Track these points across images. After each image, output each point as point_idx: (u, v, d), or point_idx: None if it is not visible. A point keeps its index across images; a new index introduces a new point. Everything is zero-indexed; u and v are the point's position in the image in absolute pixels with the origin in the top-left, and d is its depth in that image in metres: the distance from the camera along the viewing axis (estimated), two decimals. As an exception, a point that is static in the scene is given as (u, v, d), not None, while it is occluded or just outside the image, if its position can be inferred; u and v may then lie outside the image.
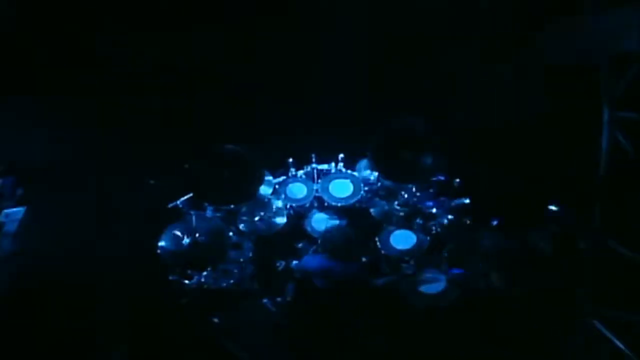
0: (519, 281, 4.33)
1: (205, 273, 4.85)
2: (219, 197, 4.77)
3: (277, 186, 5.40)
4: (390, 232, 5.21)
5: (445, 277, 4.92)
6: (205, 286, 4.82)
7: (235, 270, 5.05)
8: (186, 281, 4.84)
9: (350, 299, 4.66)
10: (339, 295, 4.62)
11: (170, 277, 4.84)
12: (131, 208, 5.40)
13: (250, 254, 5.17)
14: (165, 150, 5.36)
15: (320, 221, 5.36)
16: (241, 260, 5.11)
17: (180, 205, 5.01)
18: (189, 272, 4.83)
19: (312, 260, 4.77)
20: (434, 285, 4.91)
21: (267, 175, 5.18)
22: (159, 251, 4.78)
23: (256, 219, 5.19)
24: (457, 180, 5.09)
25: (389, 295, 4.91)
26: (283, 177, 5.47)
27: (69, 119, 5.64)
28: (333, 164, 5.53)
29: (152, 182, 4.84)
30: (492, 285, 4.52)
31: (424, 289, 4.90)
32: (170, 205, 5.01)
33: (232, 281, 4.93)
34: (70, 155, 5.64)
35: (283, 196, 5.35)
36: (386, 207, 5.32)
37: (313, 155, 5.48)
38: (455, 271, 4.85)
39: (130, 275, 5.09)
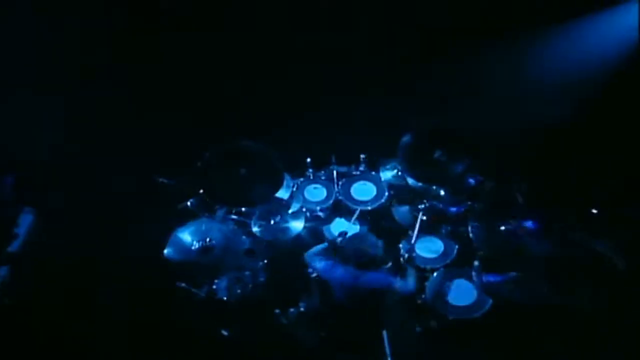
0: (574, 293, 3.78)
1: (216, 281, 4.33)
2: (233, 198, 4.24)
3: (294, 188, 4.94)
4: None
5: (476, 287, 4.43)
6: (216, 296, 4.29)
7: (248, 279, 4.58)
8: (195, 290, 4.32)
9: (371, 311, 4.24)
10: (359, 306, 4.20)
11: (178, 285, 4.32)
12: (138, 209, 4.91)
13: (265, 261, 4.72)
14: (176, 146, 4.85)
15: (340, 226, 4.91)
16: (255, 267, 4.66)
17: (191, 207, 4.49)
18: (198, 280, 4.31)
19: (332, 271, 4.27)
20: (463, 295, 4.44)
21: (285, 177, 4.67)
22: (166, 257, 4.29)
23: (272, 223, 4.73)
24: (490, 183, 4.58)
25: (414, 306, 4.48)
26: (301, 179, 5.03)
27: (73, 116, 5.19)
28: (354, 166, 5.09)
29: (161, 180, 4.33)
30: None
31: (452, 300, 4.44)
32: (179, 207, 4.50)
33: (244, 290, 4.41)
34: (74, 154, 5.18)
35: (301, 199, 4.89)
36: (410, 212, 4.84)
37: (332, 156, 5.04)
38: (490, 279, 4.32)
39: (134, 283, 4.62)
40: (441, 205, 4.81)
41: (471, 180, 4.67)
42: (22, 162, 5.17)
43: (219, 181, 4.11)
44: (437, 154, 4.23)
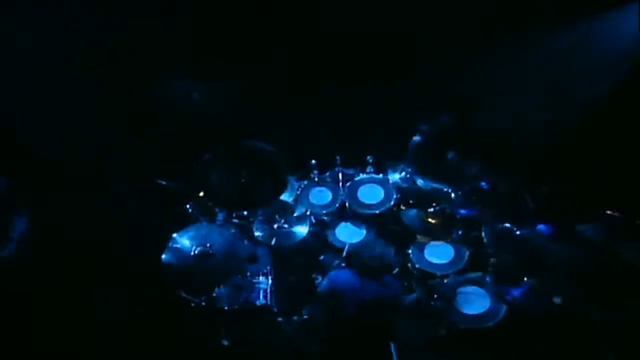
0: (600, 302, 3.51)
1: (216, 289, 4.08)
2: (234, 201, 3.98)
3: (299, 191, 4.70)
4: (425, 243, 4.53)
5: (489, 295, 4.22)
6: (216, 304, 4.03)
7: (250, 286, 4.34)
8: (194, 298, 4.06)
9: (378, 319, 4.03)
10: (366, 314, 3.97)
11: (176, 294, 4.06)
12: (136, 212, 4.64)
13: (268, 268, 4.47)
14: (176, 147, 4.59)
15: (345, 231, 4.67)
16: (257, 274, 4.42)
17: (190, 210, 4.23)
18: (197, 287, 4.06)
19: (340, 277, 4.03)
20: (476, 303, 4.22)
21: (289, 179, 4.42)
22: (163, 263, 4.03)
23: (275, 227, 4.50)
24: (504, 185, 4.32)
25: (424, 315, 4.23)
26: (305, 181, 4.77)
27: (71, 115, 4.94)
28: (360, 168, 4.85)
29: (161, 182, 4.06)
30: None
31: (464, 308, 4.23)
32: (178, 210, 4.24)
33: (246, 298, 4.16)
34: (71, 154, 4.93)
35: (306, 202, 4.64)
36: (420, 216, 4.57)
37: (338, 158, 4.81)
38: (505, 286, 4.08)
39: (131, 290, 4.35)
40: (451, 209, 4.59)
41: (483, 183, 4.43)
42: (18, 162, 4.93)
43: (219, 183, 3.85)
44: (449, 155, 3.97)
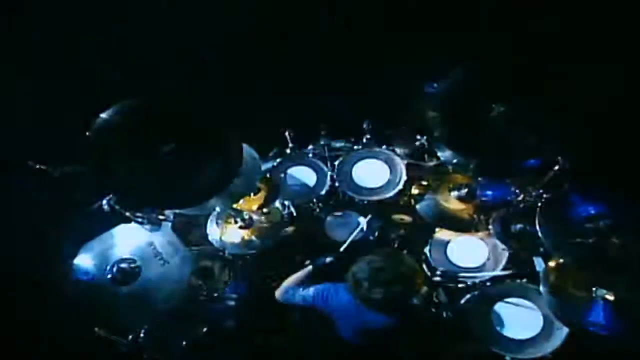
0: None
1: (145, 326, 2.59)
2: (156, 194, 2.38)
3: (269, 173, 3.38)
4: (448, 240, 3.35)
5: (540, 311, 3.03)
6: (146, 350, 2.55)
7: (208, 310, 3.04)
8: (116, 339, 2.57)
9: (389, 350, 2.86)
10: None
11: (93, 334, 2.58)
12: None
13: (229, 280, 3.11)
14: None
15: (337, 226, 3.40)
16: (216, 291, 3.08)
17: (107, 208, 2.70)
18: (120, 324, 2.58)
19: (332, 297, 2.73)
20: (524, 323, 3.03)
21: (252, 155, 2.88)
22: (69, 287, 2.55)
23: (237, 226, 3.14)
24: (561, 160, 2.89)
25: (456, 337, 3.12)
26: (278, 160, 3.46)
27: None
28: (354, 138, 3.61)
29: (39, 167, 2.45)
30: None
31: (506, 330, 3.04)
32: (91, 208, 2.70)
33: (193, 338, 2.80)
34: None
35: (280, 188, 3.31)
36: (439, 202, 3.23)
37: (323, 126, 3.54)
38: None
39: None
40: (479, 191, 3.21)
41: (532, 161, 3.02)
42: None
43: (127, 168, 2.21)
44: (495, 110, 2.48)
